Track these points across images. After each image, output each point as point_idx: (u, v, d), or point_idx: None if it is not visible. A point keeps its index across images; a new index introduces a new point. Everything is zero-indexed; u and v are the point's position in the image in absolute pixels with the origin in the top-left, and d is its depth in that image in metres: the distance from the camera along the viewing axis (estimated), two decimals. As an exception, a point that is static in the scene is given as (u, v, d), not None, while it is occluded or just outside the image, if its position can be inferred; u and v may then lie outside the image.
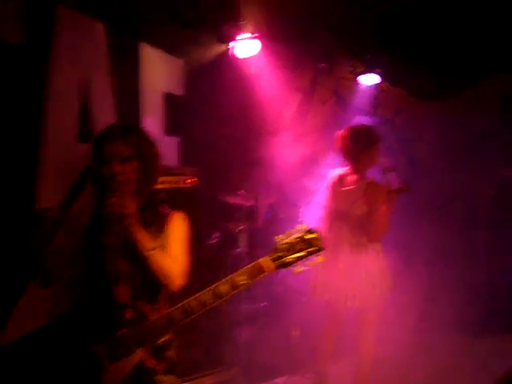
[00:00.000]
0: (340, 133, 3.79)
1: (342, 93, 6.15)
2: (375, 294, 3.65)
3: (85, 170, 3.98)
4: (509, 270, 5.16)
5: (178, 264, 2.34)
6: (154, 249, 2.25)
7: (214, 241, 4.68)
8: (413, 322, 4.89)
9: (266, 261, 2.16)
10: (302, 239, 2.16)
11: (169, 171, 3.95)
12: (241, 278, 2.16)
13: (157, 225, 2.37)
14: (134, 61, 4.52)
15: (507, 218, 5.27)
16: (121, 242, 2.31)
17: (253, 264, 2.17)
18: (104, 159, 2.29)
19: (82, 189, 3.88)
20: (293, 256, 2.15)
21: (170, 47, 4.79)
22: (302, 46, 5.44)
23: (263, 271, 2.15)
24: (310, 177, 5.17)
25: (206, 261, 4.09)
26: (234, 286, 2.15)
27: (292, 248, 2.16)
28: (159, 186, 3.81)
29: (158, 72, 4.80)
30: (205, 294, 2.16)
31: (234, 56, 4.85)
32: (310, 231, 2.17)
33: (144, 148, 2.40)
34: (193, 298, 2.17)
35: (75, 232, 2.39)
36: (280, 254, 2.15)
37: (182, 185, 3.88)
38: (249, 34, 4.74)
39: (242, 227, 4.85)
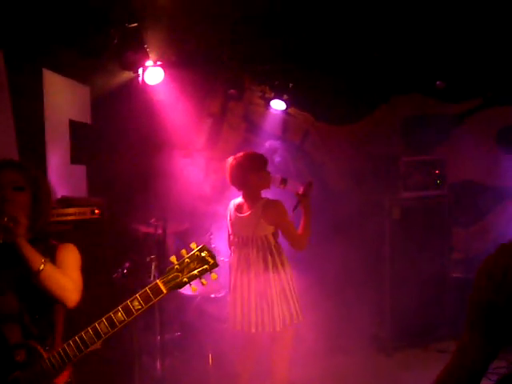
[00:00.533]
0: (227, 161, 3.86)
1: (252, 118, 6.24)
2: (282, 318, 3.66)
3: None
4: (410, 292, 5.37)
5: (71, 279, 2.32)
6: (44, 263, 2.20)
7: (124, 271, 4.57)
8: (326, 342, 4.95)
9: (158, 284, 2.15)
10: (194, 258, 2.17)
11: (75, 202, 3.85)
12: (135, 303, 2.15)
13: (47, 256, 2.30)
14: (37, 87, 4.40)
15: (409, 237, 5.49)
16: (10, 273, 2.25)
17: (146, 288, 2.15)
18: None
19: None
20: (187, 276, 2.16)
21: (74, 74, 4.71)
22: (211, 72, 5.50)
23: (158, 294, 2.14)
24: (221, 202, 5.19)
25: (118, 291, 3.98)
26: (129, 313, 2.14)
27: (186, 268, 2.16)
28: (66, 218, 3.74)
29: (63, 99, 4.69)
30: (99, 325, 2.14)
31: (142, 82, 4.81)
32: (201, 249, 2.18)
33: (38, 182, 2.41)
34: (85, 330, 2.13)
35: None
36: (172, 276, 2.16)
37: (88, 216, 3.79)
38: (151, 62, 4.74)
39: (152, 256, 4.78)
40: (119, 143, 5.00)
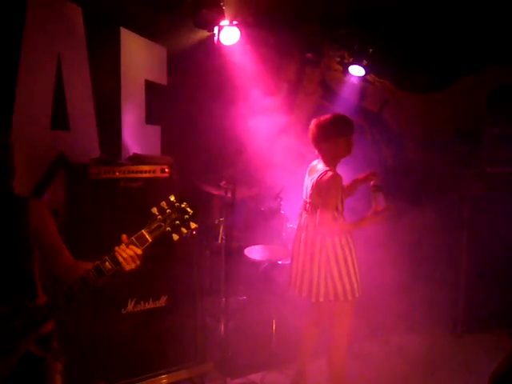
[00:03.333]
0: (312, 122, 3.71)
1: (329, 84, 6.05)
2: (343, 290, 3.57)
3: (58, 156, 3.91)
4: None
5: None
6: None
7: (193, 232, 4.58)
8: (395, 319, 4.82)
9: (143, 233, 2.25)
10: (175, 208, 2.26)
11: (145, 160, 3.87)
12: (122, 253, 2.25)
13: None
14: (114, 46, 4.43)
15: (491, 216, 5.18)
16: None
17: (132, 238, 2.25)
18: None
19: (54, 175, 3.80)
20: (169, 225, 2.24)
21: (151, 33, 4.69)
22: (288, 35, 5.35)
23: (144, 243, 2.25)
24: (293, 169, 5.09)
25: (184, 252, 3.99)
26: (116, 263, 2.23)
27: (168, 218, 2.25)
28: (136, 175, 3.77)
29: (140, 59, 4.71)
30: (87, 274, 2.22)
31: (218, 42, 4.73)
32: (181, 200, 2.28)
33: None
34: (74, 279, 2.22)
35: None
36: (156, 225, 2.24)
37: (158, 174, 3.79)
38: (227, 22, 4.64)
39: (221, 219, 4.77)
40: (193, 104, 4.98)
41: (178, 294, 3.81)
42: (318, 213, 3.51)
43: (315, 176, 3.60)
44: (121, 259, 2.22)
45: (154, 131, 4.93)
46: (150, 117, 4.82)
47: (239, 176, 4.42)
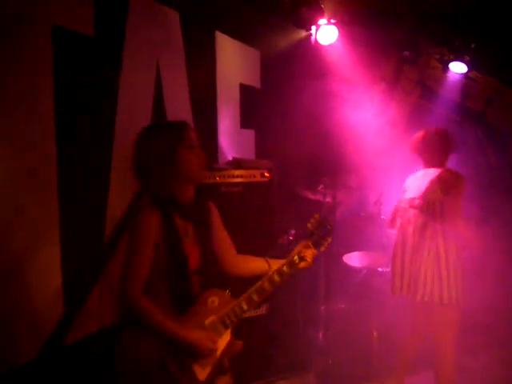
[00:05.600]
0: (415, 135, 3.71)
1: (427, 83, 5.77)
2: (448, 293, 3.38)
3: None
4: None
5: None
6: None
7: (290, 238, 4.47)
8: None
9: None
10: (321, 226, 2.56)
11: (245, 164, 3.80)
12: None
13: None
14: (210, 51, 4.41)
15: None
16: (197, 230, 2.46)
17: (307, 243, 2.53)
18: None
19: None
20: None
21: (245, 37, 4.65)
22: (385, 33, 5.15)
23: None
24: (393, 173, 4.89)
25: (281, 257, 3.90)
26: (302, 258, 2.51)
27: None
28: (235, 180, 3.71)
29: (234, 62, 4.67)
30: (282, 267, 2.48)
31: (315, 42, 4.61)
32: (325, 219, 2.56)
33: None
34: (263, 279, 2.44)
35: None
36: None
37: (258, 178, 3.72)
38: (325, 20, 4.51)
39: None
40: (288, 107, 4.88)
41: (279, 300, 3.70)
42: (440, 210, 3.42)
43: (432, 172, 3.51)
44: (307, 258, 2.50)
45: (249, 135, 4.87)
46: (245, 121, 4.77)
47: (339, 181, 4.28)
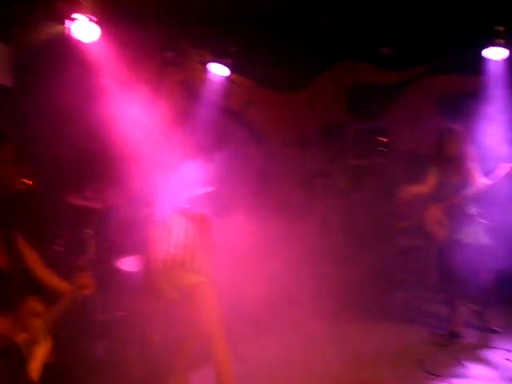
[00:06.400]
0: None
1: (190, 84, 5.88)
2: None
3: None
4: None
5: None
6: None
7: (59, 248, 4.18)
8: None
9: None
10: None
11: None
12: None
13: None
14: None
15: (357, 206, 5.38)
16: None
17: None
18: None
19: None
20: None
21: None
22: (148, 33, 5.10)
23: None
24: (163, 174, 4.88)
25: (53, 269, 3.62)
26: None
27: None
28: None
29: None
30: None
31: (74, 40, 4.36)
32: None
33: None
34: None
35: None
36: None
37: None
38: (85, 17, 4.29)
39: (90, 231, 4.40)
40: (48, 109, 4.55)
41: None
42: None
43: None
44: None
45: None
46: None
47: (108, 183, 4.11)
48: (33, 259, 2.70)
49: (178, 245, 3.65)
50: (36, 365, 2.42)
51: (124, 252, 4.48)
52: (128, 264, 4.43)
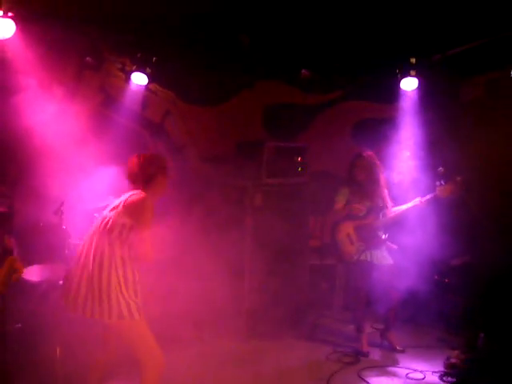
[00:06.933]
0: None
1: (109, 91, 5.73)
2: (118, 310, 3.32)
3: None
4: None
5: None
6: None
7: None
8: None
9: None
10: None
11: None
12: None
13: None
14: None
15: (270, 224, 5.41)
16: None
17: None
18: None
19: None
20: None
21: None
22: (68, 36, 4.94)
23: None
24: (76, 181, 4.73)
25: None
26: None
27: None
28: None
29: None
30: None
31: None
32: None
33: None
34: None
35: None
36: None
37: None
38: (1, 12, 4.11)
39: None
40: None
41: None
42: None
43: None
44: None
45: None
46: None
47: (16, 186, 3.91)
48: None
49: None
50: None
51: (29, 261, 4.26)
52: (32, 273, 4.23)
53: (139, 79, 5.57)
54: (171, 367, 3.98)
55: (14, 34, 4.24)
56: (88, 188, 4.93)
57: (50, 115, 5.00)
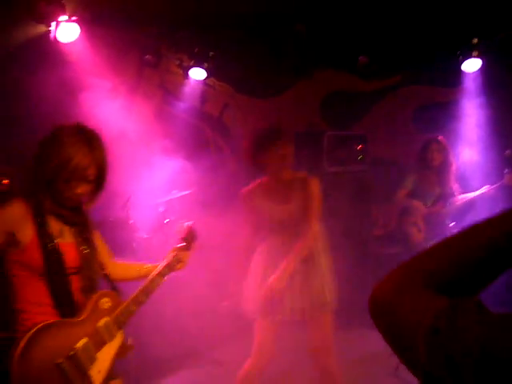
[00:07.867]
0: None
1: (168, 87, 5.85)
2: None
3: None
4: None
5: None
6: None
7: None
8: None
9: None
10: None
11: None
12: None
13: None
14: None
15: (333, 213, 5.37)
16: None
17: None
18: None
19: None
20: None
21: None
22: (127, 35, 5.06)
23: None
24: (140, 176, 4.84)
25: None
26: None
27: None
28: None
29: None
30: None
31: (54, 39, 4.28)
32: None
33: None
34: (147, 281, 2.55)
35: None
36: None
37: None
38: (66, 17, 4.24)
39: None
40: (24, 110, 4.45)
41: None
42: None
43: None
44: None
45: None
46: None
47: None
48: (104, 252, 2.64)
49: None
50: (100, 367, 2.27)
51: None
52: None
53: (197, 74, 5.65)
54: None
55: (78, 36, 4.37)
56: (152, 182, 5.04)
57: (114, 112, 5.15)
